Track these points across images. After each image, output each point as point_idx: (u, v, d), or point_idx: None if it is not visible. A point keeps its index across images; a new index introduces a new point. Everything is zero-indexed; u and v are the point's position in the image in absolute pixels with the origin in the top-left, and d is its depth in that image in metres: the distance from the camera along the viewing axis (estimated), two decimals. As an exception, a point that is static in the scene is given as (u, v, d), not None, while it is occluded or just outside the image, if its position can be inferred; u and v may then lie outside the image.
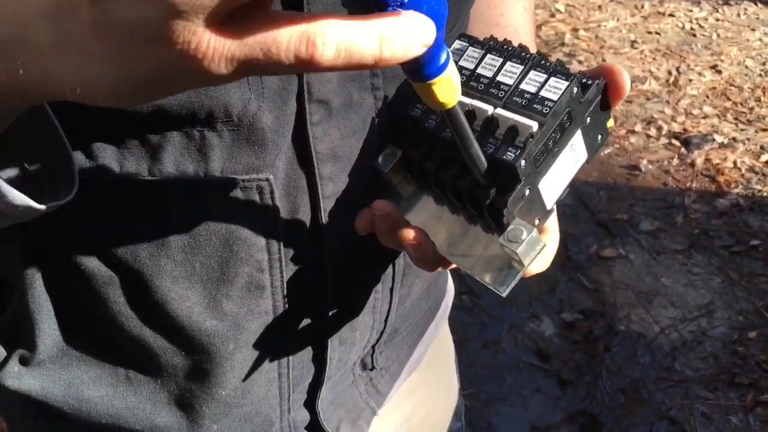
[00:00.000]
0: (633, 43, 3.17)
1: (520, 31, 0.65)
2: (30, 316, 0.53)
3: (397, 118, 0.49)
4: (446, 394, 0.86)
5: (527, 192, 0.44)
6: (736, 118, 2.67)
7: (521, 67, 0.45)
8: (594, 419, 1.75)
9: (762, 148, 2.52)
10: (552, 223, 0.52)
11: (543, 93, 0.43)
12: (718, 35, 3.20)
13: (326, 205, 0.52)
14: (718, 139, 2.57)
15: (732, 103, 2.75)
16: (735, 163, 2.46)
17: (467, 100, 0.45)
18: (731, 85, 2.85)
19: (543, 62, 0.45)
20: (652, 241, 2.20)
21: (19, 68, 0.28)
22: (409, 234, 0.48)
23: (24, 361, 0.55)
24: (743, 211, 2.28)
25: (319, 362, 0.61)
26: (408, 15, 0.28)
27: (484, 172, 0.43)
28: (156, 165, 0.46)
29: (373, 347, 0.66)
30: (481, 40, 0.48)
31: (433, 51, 0.31)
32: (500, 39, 0.48)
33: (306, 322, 0.58)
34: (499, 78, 0.45)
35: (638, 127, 2.66)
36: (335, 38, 0.26)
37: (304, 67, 0.27)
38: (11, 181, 0.36)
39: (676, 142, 2.57)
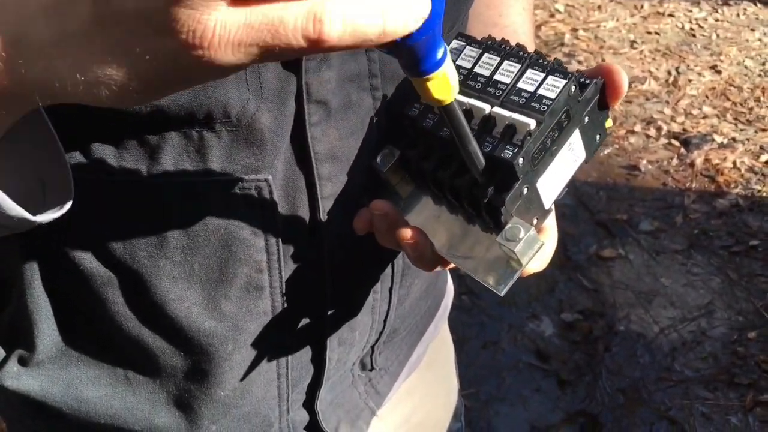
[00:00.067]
0: (632, 44, 3.17)
1: (519, 32, 0.66)
2: (29, 317, 0.53)
3: (395, 118, 0.49)
4: (446, 395, 0.86)
5: (525, 190, 0.44)
6: (735, 119, 2.67)
7: (518, 66, 0.45)
8: (594, 419, 1.75)
9: (761, 148, 2.52)
10: (550, 223, 0.52)
11: (541, 91, 0.43)
12: (718, 35, 3.20)
13: (325, 206, 0.52)
14: (718, 139, 2.57)
15: (731, 104, 2.75)
16: (734, 163, 2.46)
17: (464, 99, 0.45)
18: (731, 85, 2.85)
19: (540, 61, 0.45)
20: (651, 242, 2.20)
21: (21, 67, 0.28)
22: (407, 233, 0.48)
23: (23, 362, 0.55)
24: (743, 212, 2.28)
25: (318, 363, 0.61)
26: None
27: (482, 171, 0.43)
28: (154, 165, 0.46)
29: (372, 347, 0.66)
30: (479, 39, 0.48)
31: (431, 45, 0.31)
32: (498, 39, 0.48)
33: (305, 322, 0.58)
34: (497, 77, 0.45)
35: (638, 128, 2.66)
36: (341, 14, 0.26)
37: (311, 47, 0.26)
38: (6, 192, 0.36)
39: (676, 143, 2.57)
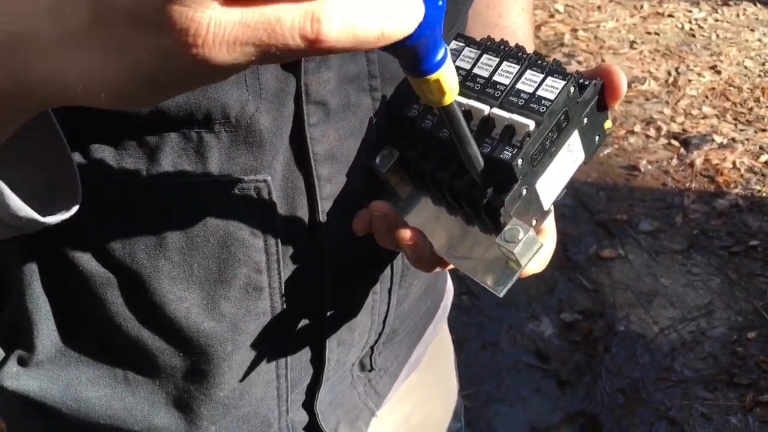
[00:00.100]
0: (632, 44, 3.17)
1: (519, 32, 0.66)
2: (28, 317, 0.53)
3: (395, 119, 0.49)
4: (445, 395, 0.86)
5: (524, 191, 0.44)
6: (735, 119, 2.67)
7: (517, 67, 0.45)
8: (593, 420, 1.75)
9: (761, 148, 2.52)
10: (549, 224, 0.52)
11: (540, 92, 0.43)
12: (718, 36, 3.20)
13: (324, 206, 0.52)
14: (718, 139, 2.57)
15: (731, 104, 2.75)
16: (734, 163, 2.46)
17: (464, 100, 0.45)
18: (730, 85, 2.86)
19: (539, 62, 0.45)
20: (651, 242, 2.20)
21: (25, 67, 0.28)
22: (406, 234, 0.48)
23: (22, 362, 0.55)
24: (742, 212, 2.28)
25: (318, 363, 0.61)
26: None
27: (481, 172, 0.43)
28: (154, 166, 0.46)
29: (371, 348, 0.66)
30: (478, 40, 0.48)
31: (432, 45, 0.31)
32: (498, 39, 0.48)
33: (304, 323, 0.58)
34: (496, 78, 0.45)
35: (637, 128, 2.66)
36: (341, 15, 0.26)
37: (309, 48, 0.26)
38: (16, 193, 0.36)
39: (676, 143, 2.57)
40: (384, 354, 0.69)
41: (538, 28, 3.29)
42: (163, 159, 0.46)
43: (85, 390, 0.55)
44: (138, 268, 0.50)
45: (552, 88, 0.43)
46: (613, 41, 3.21)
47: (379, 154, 0.50)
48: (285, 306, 0.55)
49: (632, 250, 2.17)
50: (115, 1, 0.25)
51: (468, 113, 0.45)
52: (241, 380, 0.56)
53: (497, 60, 0.46)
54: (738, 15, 3.35)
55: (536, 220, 0.47)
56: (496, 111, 0.43)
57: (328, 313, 0.58)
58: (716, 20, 3.33)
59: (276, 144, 0.47)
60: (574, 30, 3.31)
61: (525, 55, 0.45)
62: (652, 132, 2.63)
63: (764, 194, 2.33)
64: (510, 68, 0.45)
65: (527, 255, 0.44)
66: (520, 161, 0.42)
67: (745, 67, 2.96)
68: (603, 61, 3.06)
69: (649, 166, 2.48)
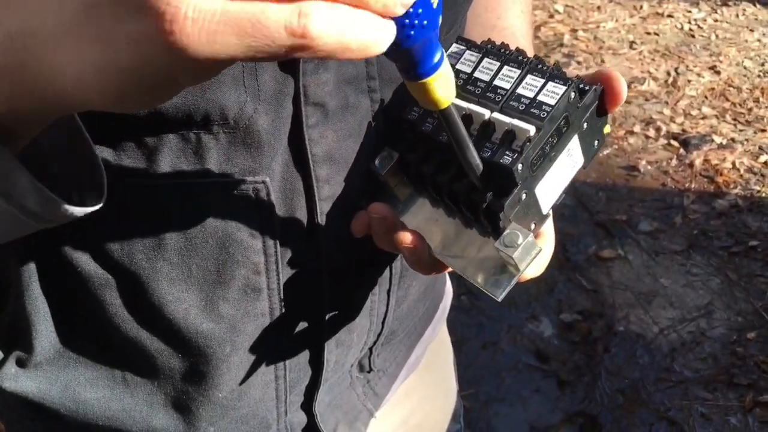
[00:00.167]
0: (632, 44, 3.17)
1: (518, 34, 0.66)
2: (27, 318, 0.53)
3: (394, 121, 0.49)
4: (444, 396, 0.86)
5: (524, 196, 0.44)
6: (734, 119, 2.67)
7: (518, 71, 0.45)
8: (593, 420, 1.75)
9: (761, 148, 2.52)
10: (548, 229, 0.52)
11: (540, 97, 0.43)
12: (717, 36, 3.20)
13: (323, 208, 0.52)
14: (717, 139, 2.57)
15: (731, 104, 2.75)
16: (734, 163, 2.46)
17: (464, 104, 0.45)
18: (730, 85, 2.86)
19: (540, 66, 0.45)
20: (650, 242, 2.20)
21: (31, 61, 0.28)
22: (406, 238, 0.48)
23: (21, 363, 0.55)
24: (742, 212, 2.28)
25: (316, 364, 0.61)
26: None
27: (480, 176, 0.43)
28: (152, 167, 0.46)
29: (370, 349, 0.66)
30: (479, 43, 0.48)
31: (428, 48, 0.31)
32: (498, 42, 0.48)
33: (303, 324, 0.58)
34: (496, 82, 0.45)
35: (637, 128, 2.66)
36: (329, 15, 0.25)
37: (293, 45, 0.25)
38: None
39: (675, 143, 2.57)
40: (383, 355, 0.69)
41: (537, 28, 3.29)
42: (162, 160, 0.46)
43: (84, 391, 0.55)
44: (137, 269, 0.50)
45: (553, 93, 0.43)
46: (612, 41, 3.21)
47: (378, 156, 0.50)
48: (284, 307, 0.55)
49: (632, 251, 2.17)
50: None
51: (468, 117, 0.45)
52: (240, 381, 0.56)
53: (498, 64, 0.46)
54: (737, 15, 3.35)
55: (535, 224, 0.47)
56: (497, 115, 0.44)
57: (327, 315, 0.58)
58: (716, 20, 3.33)
59: (274, 145, 0.47)
60: (574, 30, 3.31)
61: (526, 60, 0.45)
62: (651, 132, 2.63)
63: (764, 194, 2.33)
64: (511, 72, 0.45)
65: (526, 260, 0.44)
66: (520, 166, 0.42)
67: (745, 68, 2.96)
68: (602, 61, 3.06)
69: (649, 167, 2.48)
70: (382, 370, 0.70)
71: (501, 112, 0.44)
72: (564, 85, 0.43)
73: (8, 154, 0.32)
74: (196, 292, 0.51)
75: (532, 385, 1.84)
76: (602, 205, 2.34)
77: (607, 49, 3.15)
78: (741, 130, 2.62)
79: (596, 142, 0.47)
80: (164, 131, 0.45)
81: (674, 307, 2.00)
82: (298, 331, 0.58)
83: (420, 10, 0.28)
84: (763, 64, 2.97)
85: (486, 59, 0.47)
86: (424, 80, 0.32)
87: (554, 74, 0.44)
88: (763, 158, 2.48)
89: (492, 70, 0.46)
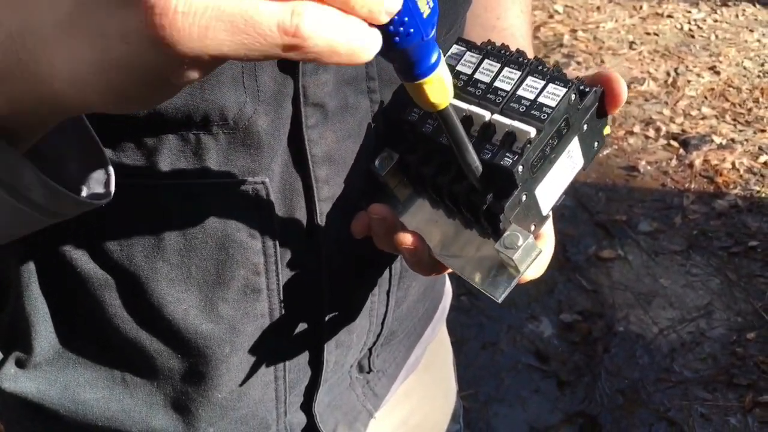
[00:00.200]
0: (631, 44, 3.17)
1: (517, 35, 0.66)
2: (26, 319, 0.53)
3: (394, 123, 0.49)
4: (444, 397, 0.86)
5: (524, 198, 0.44)
6: (734, 119, 2.67)
7: (519, 73, 0.45)
8: (593, 420, 1.75)
9: (760, 149, 2.52)
10: (548, 230, 0.52)
11: (541, 99, 0.43)
12: (717, 36, 3.20)
13: (322, 208, 0.52)
14: (717, 140, 2.57)
15: (730, 104, 2.75)
16: (733, 164, 2.46)
17: (464, 106, 0.45)
18: (729, 86, 2.86)
19: (540, 68, 0.45)
20: (650, 242, 2.20)
21: (30, 61, 0.28)
22: (407, 239, 0.48)
23: (20, 364, 0.55)
24: (742, 212, 2.28)
25: (316, 365, 0.61)
26: None
27: (480, 177, 0.43)
28: (152, 167, 0.46)
29: (369, 350, 0.66)
30: (479, 44, 0.48)
31: (425, 49, 0.31)
32: (497, 43, 0.48)
33: (302, 325, 0.58)
34: (497, 84, 0.45)
35: (637, 128, 2.66)
36: (321, 17, 0.25)
37: (284, 44, 0.25)
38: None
39: (675, 143, 2.57)
40: (382, 356, 0.69)
41: (537, 28, 3.29)
42: (162, 161, 0.46)
43: (83, 392, 0.55)
44: (136, 269, 0.50)
45: (553, 95, 0.43)
46: (612, 42, 3.21)
47: (378, 157, 0.50)
48: (283, 308, 0.55)
49: (631, 251, 2.17)
50: None
51: (469, 119, 0.45)
52: (240, 382, 0.56)
53: (499, 65, 0.46)
54: (737, 15, 3.35)
55: (535, 225, 0.47)
56: (497, 117, 0.44)
57: (327, 315, 0.58)
58: (715, 21, 3.33)
59: (274, 146, 0.47)
60: (574, 31, 3.31)
61: (526, 61, 0.45)
62: (651, 133, 2.63)
63: (763, 195, 2.33)
64: (511, 74, 0.45)
65: (526, 261, 0.44)
66: (520, 168, 0.42)
67: (744, 68, 2.96)
68: (602, 62, 3.06)
69: (649, 167, 2.48)
70: (381, 370, 0.70)
71: (501, 113, 0.44)
72: (564, 87, 0.43)
73: (12, 149, 0.32)
74: (195, 293, 0.51)
75: (532, 385, 1.84)
76: (602, 206, 2.34)
77: (606, 50, 3.15)
78: (741, 131, 2.62)
79: (596, 143, 0.47)
80: (164, 132, 0.45)
81: (674, 308, 2.00)
82: (298, 331, 0.58)
83: (406, 19, 0.28)
84: (762, 65, 2.98)
85: (486, 61, 0.47)
86: (421, 81, 0.32)
87: (555, 76, 0.44)
88: (762, 158, 2.48)
89: (492, 72, 0.46)
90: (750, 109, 2.72)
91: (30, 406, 0.56)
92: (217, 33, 0.25)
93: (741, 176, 2.41)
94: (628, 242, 2.20)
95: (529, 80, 0.44)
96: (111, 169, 0.39)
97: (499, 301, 0.46)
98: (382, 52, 0.29)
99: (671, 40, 3.19)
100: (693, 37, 3.21)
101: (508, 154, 0.42)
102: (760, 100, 2.76)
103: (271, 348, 0.57)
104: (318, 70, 0.47)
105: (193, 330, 0.52)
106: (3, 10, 0.29)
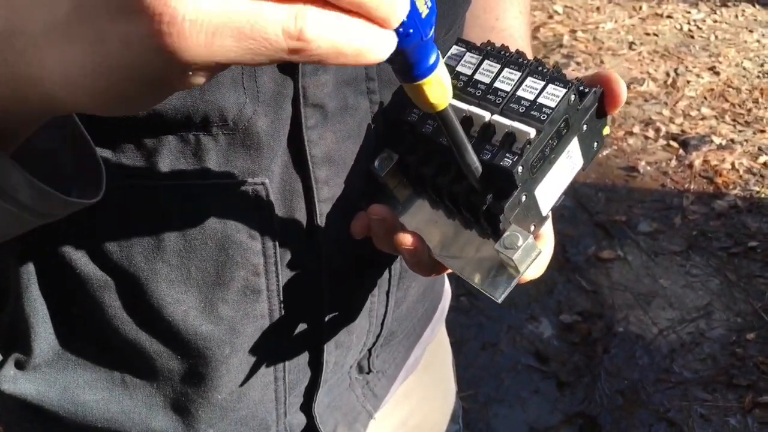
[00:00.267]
0: (631, 45, 3.17)
1: (516, 35, 0.66)
2: (26, 320, 0.53)
3: (394, 123, 0.49)
4: (443, 397, 0.86)
5: (524, 198, 0.44)
6: (734, 120, 2.68)
7: (519, 74, 0.45)
8: (592, 421, 1.75)
9: (760, 149, 2.53)
10: (547, 230, 0.52)
11: (541, 100, 0.43)
12: (716, 37, 3.20)
13: (322, 209, 0.52)
14: (716, 140, 2.57)
15: (730, 105, 2.75)
16: (733, 164, 2.46)
17: (464, 106, 0.45)
18: (729, 86, 2.86)
19: (540, 69, 0.45)
20: (650, 243, 2.20)
21: (19, 62, 0.28)
22: (406, 239, 0.48)
23: (20, 365, 0.55)
24: (741, 213, 2.28)
25: (315, 366, 0.61)
26: None
27: (480, 178, 0.43)
28: (151, 168, 0.46)
29: (369, 350, 0.66)
30: (479, 45, 0.48)
31: (423, 50, 0.31)
32: (497, 43, 0.48)
33: (302, 325, 0.58)
34: (497, 84, 0.45)
35: (636, 129, 2.66)
36: (325, 20, 0.26)
37: (289, 48, 0.25)
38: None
39: (675, 144, 2.58)
40: (382, 356, 0.69)
41: (536, 29, 3.30)
42: (161, 162, 0.46)
43: (83, 393, 0.55)
44: (135, 270, 0.50)
45: (553, 95, 0.43)
46: (611, 42, 3.21)
47: (378, 157, 0.50)
48: (283, 309, 0.55)
49: (631, 251, 2.17)
50: None
51: (469, 119, 0.45)
52: (239, 383, 0.56)
53: (498, 66, 0.46)
54: (737, 16, 3.35)
55: (534, 225, 0.47)
56: (497, 118, 0.44)
57: (326, 316, 0.58)
58: (715, 21, 3.33)
59: (274, 147, 0.47)
60: (573, 31, 3.31)
61: (526, 62, 0.46)
62: (651, 133, 2.63)
63: (763, 195, 2.33)
64: (511, 75, 0.45)
65: (526, 261, 0.44)
66: (520, 168, 0.42)
67: (744, 68, 2.96)
68: (602, 62, 3.06)
69: (648, 167, 2.48)
70: (381, 371, 0.70)
71: (501, 114, 0.44)
72: (564, 87, 0.43)
73: None
74: (195, 294, 0.51)
75: (532, 386, 1.84)
76: (602, 206, 2.34)
77: (606, 50, 3.15)
78: (740, 131, 2.62)
79: (596, 143, 0.47)
80: (163, 132, 0.45)
81: (673, 308, 2.00)
82: (298, 332, 0.58)
83: (404, 19, 0.28)
84: (762, 65, 2.98)
85: (486, 61, 0.47)
86: (420, 82, 0.33)
87: (554, 77, 0.44)
88: (762, 159, 2.48)
89: (492, 73, 0.46)
90: (749, 110, 2.72)
91: (29, 407, 0.56)
92: (224, 40, 0.25)
93: (740, 177, 2.42)
94: (627, 243, 2.20)
95: (529, 81, 0.44)
96: (102, 167, 0.39)
97: (499, 301, 0.46)
98: None
99: (671, 41, 3.19)
100: (692, 37, 3.21)
101: (507, 155, 0.43)
102: (760, 100, 2.77)
103: (270, 349, 0.56)
104: (317, 71, 0.47)
105: (193, 331, 0.52)
106: None
